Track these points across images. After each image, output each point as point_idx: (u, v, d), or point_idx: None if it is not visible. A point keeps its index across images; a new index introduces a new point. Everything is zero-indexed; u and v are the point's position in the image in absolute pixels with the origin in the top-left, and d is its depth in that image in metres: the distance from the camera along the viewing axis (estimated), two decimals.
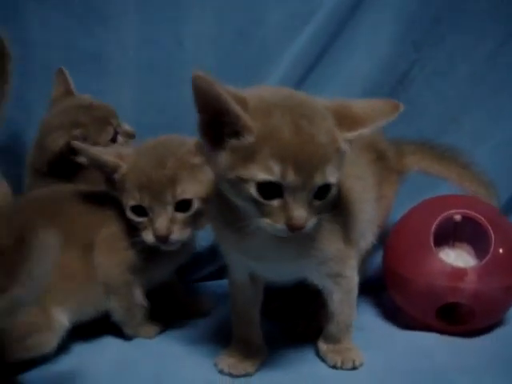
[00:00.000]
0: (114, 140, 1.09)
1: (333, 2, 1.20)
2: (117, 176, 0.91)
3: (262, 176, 0.69)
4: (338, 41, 1.22)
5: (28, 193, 1.04)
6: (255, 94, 0.74)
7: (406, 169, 1.09)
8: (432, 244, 0.95)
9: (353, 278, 0.87)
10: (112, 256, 0.91)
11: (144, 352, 0.91)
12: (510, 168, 1.21)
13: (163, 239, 0.87)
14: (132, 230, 0.91)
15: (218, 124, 0.72)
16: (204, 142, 0.74)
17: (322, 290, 0.86)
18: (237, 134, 0.70)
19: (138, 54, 1.27)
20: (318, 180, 0.69)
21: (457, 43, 1.23)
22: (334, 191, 0.74)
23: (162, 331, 0.98)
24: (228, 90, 0.70)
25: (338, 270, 0.84)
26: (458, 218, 0.99)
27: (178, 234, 0.89)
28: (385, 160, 1.03)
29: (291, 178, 0.68)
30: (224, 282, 1.13)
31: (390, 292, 1.04)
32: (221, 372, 0.84)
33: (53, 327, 0.84)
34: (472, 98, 1.25)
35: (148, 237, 0.88)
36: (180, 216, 0.89)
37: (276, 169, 0.68)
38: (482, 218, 0.96)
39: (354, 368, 0.85)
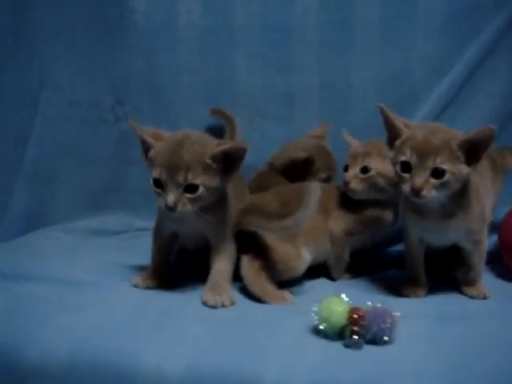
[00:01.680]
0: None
1: (465, 59, 1.72)
2: None
3: (402, 158, 1.21)
4: (465, 88, 1.73)
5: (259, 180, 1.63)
6: (419, 123, 1.33)
7: (507, 166, 1.59)
8: None
9: (485, 243, 1.36)
10: (338, 222, 1.45)
11: (351, 288, 1.39)
12: None
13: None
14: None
15: (393, 136, 1.27)
16: (387, 145, 1.29)
17: (467, 251, 1.35)
18: (398, 137, 1.25)
19: (319, 93, 1.82)
20: (430, 164, 1.18)
21: None
22: (449, 176, 1.16)
23: (353, 278, 1.49)
24: (396, 116, 1.27)
25: (478, 238, 1.33)
26: None
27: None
28: (495, 164, 1.55)
29: (414, 159, 1.19)
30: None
31: (503, 257, 1.52)
32: (400, 295, 1.34)
33: (302, 258, 1.36)
34: None
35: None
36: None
37: (408, 154, 1.19)
38: None
39: (485, 298, 1.33)
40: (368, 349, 1.04)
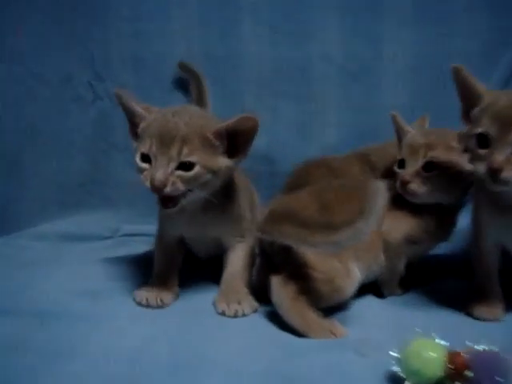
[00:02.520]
0: None
1: None
2: None
3: (479, 129, 0.96)
4: None
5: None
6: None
7: None
8: None
9: None
10: (396, 226, 1.13)
11: (407, 309, 1.12)
12: None
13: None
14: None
15: (469, 105, 1.02)
16: (462, 118, 1.04)
17: None
18: (476, 105, 1.00)
19: (341, 68, 1.52)
20: None
21: None
22: None
23: (404, 293, 1.20)
24: (474, 78, 1.01)
25: None
26: None
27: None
28: None
29: (494, 130, 0.93)
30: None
31: None
32: (472, 317, 1.07)
33: (351, 276, 1.05)
34: None
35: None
36: None
37: (487, 123, 0.95)
38: None
39: None
40: None
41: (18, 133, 1.52)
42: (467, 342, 0.82)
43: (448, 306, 1.12)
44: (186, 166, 0.99)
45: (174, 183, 0.98)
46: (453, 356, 0.79)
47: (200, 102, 1.46)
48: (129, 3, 1.53)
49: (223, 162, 1.03)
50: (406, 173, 1.12)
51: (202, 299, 1.12)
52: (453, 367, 0.77)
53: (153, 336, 0.96)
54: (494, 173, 0.92)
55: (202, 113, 1.10)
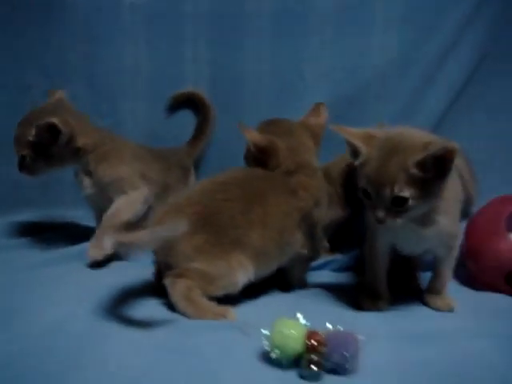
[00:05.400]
0: None
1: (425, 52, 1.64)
2: None
3: (360, 183, 1.10)
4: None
5: None
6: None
7: None
8: (504, 228, 1.31)
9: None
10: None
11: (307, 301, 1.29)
12: None
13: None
14: None
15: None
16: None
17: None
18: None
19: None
20: None
21: None
22: None
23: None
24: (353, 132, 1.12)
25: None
26: None
27: None
28: None
29: (369, 187, 1.07)
30: None
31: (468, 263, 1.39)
32: (360, 308, 1.21)
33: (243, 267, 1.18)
34: None
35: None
36: None
37: (363, 181, 1.09)
38: None
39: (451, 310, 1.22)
40: (328, 380, 0.90)
41: None
42: (327, 324, 0.95)
43: (343, 297, 1.27)
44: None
45: None
46: (311, 334, 0.92)
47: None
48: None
49: None
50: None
51: None
52: (309, 343, 0.91)
53: None
54: (379, 223, 1.08)
55: None
